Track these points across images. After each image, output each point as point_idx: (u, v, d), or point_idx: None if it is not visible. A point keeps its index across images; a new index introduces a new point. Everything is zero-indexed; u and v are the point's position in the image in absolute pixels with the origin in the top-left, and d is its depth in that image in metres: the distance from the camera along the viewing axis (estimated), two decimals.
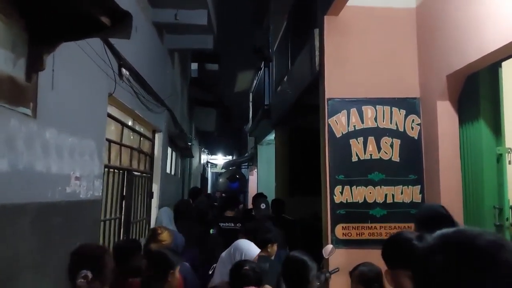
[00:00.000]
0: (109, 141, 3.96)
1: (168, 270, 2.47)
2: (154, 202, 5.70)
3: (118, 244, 3.14)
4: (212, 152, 29.77)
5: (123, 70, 3.70)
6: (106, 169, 3.85)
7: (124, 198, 4.41)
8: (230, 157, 28.89)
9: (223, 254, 3.12)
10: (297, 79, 6.39)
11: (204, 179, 24.58)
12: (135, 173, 4.82)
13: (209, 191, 24.22)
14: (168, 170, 7.15)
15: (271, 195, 8.35)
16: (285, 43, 7.73)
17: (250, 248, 3.07)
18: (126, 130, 4.52)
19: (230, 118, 21.93)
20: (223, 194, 15.07)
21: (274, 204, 6.71)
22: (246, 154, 18.29)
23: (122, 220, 4.40)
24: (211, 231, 4.90)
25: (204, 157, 25.08)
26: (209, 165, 28.58)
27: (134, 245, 3.03)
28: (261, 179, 12.34)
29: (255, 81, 13.97)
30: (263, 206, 5.70)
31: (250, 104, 16.35)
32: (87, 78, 3.12)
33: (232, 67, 18.18)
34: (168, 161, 7.03)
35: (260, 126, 10.72)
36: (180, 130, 7.21)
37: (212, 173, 31.48)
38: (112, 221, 4.15)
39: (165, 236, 3.20)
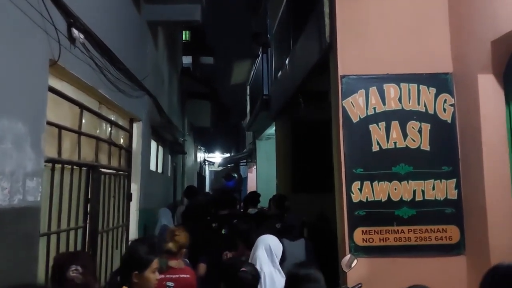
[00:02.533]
0: (58, 127, 2.99)
1: (132, 270, 2.32)
2: (134, 205, 4.74)
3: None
4: (209, 150, 29.31)
5: (75, 31, 2.78)
6: (54, 165, 2.94)
7: (89, 201, 3.49)
8: (228, 155, 28.18)
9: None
10: (301, 59, 5.52)
11: (201, 178, 23.84)
12: (104, 170, 3.88)
13: (207, 190, 23.62)
14: (152, 167, 6.20)
15: (272, 193, 7.74)
16: (285, 20, 6.85)
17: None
18: (88, 115, 3.55)
19: (227, 114, 21.23)
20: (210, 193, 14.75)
21: (276, 200, 6.02)
22: (245, 150, 17.47)
23: (88, 230, 3.47)
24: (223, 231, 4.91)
25: (201, 155, 24.39)
26: (206, 163, 27.99)
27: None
28: (260, 176, 11.68)
29: (252, 72, 13.15)
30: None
31: (248, 97, 15.56)
32: (7, 31, 2.18)
33: (228, 60, 17.47)
34: (152, 157, 6.10)
35: (259, 119, 9.94)
36: (167, 121, 6.29)
37: (210, 171, 30.99)
38: (71, 232, 3.23)
39: (182, 237, 3.31)
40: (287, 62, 6.57)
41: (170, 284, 3.14)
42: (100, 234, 3.77)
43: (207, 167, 29.31)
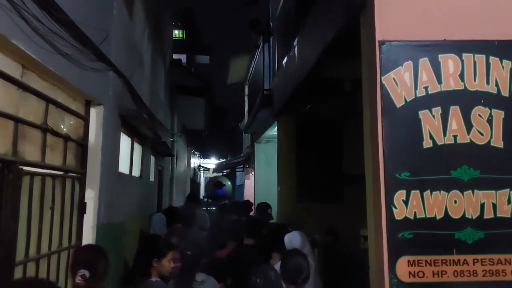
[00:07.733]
0: None
1: (152, 257, 2.80)
2: (89, 219, 3.41)
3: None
4: (204, 155, 28.40)
5: None
6: None
7: None
8: (223, 160, 27.23)
9: None
10: (316, 32, 4.37)
11: (195, 184, 22.73)
12: (31, 169, 2.57)
13: (201, 197, 22.79)
14: (124, 169, 4.90)
15: (272, 202, 6.82)
16: None
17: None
18: None
19: (223, 117, 20.23)
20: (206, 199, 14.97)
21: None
22: (242, 155, 16.30)
23: None
24: None
25: (195, 161, 23.31)
26: (201, 169, 27.04)
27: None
28: (259, 183, 10.69)
29: (251, 69, 12.06)
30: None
31: (246, 98, 14.44)
32: None
33: (224, 57, 16.52)
34: (125, 156, 4.80)
35: (259, 118, 8.86)
36: (146, 112, 5.00)
37: (205, 177, 30.16)
38: None
39: None
40: (295, 43, 5.41)
41: None
42: (23, 265, 2.49)
43: (202, 173, 28.38)
